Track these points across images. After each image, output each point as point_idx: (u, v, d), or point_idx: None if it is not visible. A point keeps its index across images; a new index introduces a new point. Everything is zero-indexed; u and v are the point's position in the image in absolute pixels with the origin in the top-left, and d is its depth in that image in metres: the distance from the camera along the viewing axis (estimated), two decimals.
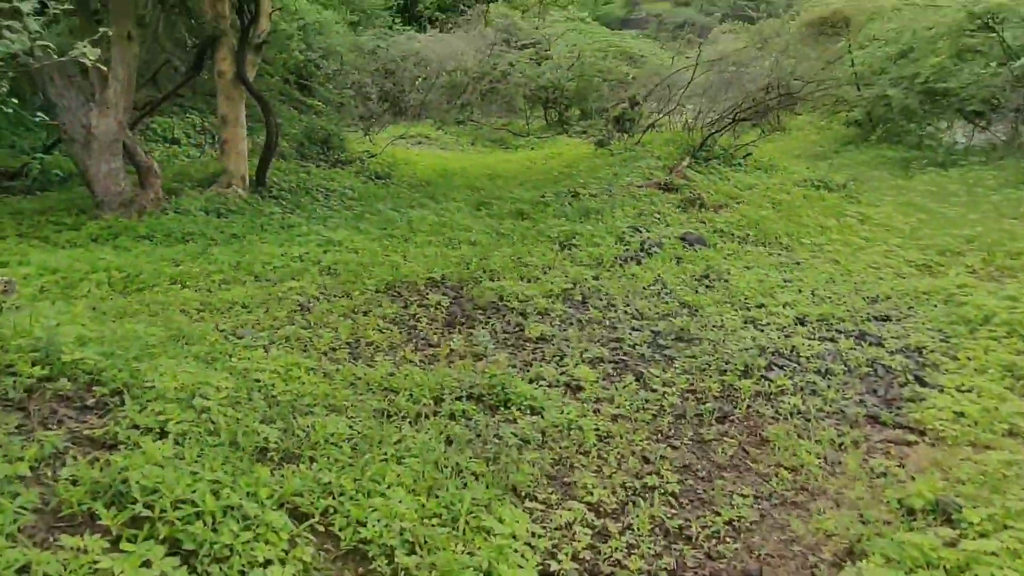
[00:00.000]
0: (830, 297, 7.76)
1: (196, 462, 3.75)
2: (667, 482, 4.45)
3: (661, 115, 19.46)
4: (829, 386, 5.74)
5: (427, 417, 4.87)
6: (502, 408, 5.11)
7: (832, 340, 6.70)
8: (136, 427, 4.01)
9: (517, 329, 6.63)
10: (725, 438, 5.02)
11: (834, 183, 12.60)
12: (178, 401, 4.28)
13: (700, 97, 20.43)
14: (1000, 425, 5.04)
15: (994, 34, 16.68)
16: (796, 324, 7.03)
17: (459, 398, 5.14)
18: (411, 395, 5.10)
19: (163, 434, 4.02)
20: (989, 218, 11.08)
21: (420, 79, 23.41)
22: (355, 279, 7.49)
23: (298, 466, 4.05)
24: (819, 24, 21.26)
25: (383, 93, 22.19)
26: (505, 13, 28.32)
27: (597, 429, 4.92)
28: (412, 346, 6.13)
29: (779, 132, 25.68)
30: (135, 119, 11.39)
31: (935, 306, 7.56)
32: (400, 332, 6.39)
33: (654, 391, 5.54)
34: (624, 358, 6.12)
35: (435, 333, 6.46)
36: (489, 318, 6.85)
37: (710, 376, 5.80)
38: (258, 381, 4.90)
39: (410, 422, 4.80)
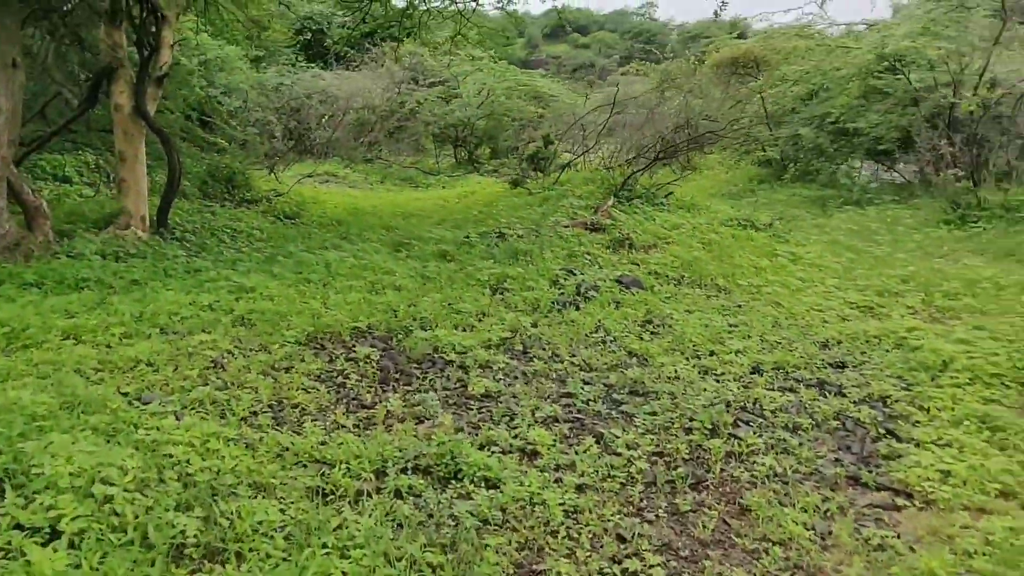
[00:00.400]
0: (780, 343, 7.41)
1: (97, 570, 3.05)
2: (649, 565, 3.90)
3: (578, 155, 19.23)
4: (801, 443, 5.31)
5: (369, 495, 4.23)
6: (453, 481, 4.48)
7: (792, 391, 6.31)
8: (19, 527, 3.29)
9: (459, 385, 6.02)
10: (703, 508, 4.50)
11: (760, 222, 12.44)
12: (74, 490, 3.57)
13: (614, 137, 20.36)
14: (991, 485, 4.67)
15: (900, 76, 17.00)
16: (752, 373, 6.62)
17: (404, 470, 4.51)
18: (348, 468, 4.45)
19: (55, 534, 3.30)
20: (917, 257, 11.04)
21: (326, 117, 22.74)
22: (273, 330, 6.77)
23: (223, 566, 3.38)
24: (730, 64, 21.47)
25: (288, 131, 21.42)
26: (413, 51, 27.86)
27: (563, 503, 4.33)
28: (343, 408, 5.45)
29: (690, 172, 25.86)
30: (21, 155, 10.41)
31: (888, 351, 7.27)
32: (328, 391, 5.71)
33: (618, 455, 4.99)
34: (579, 416, 5.57)
35: (368, 391, 5.80)
36: (426, 373, 6.23)
37: (676, 436, 5.30)
38: (170, 457, 4.19)
39: (350, 502, 4.15)
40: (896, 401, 6.08)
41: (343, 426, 5.11)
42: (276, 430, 4.91)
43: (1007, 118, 14.12)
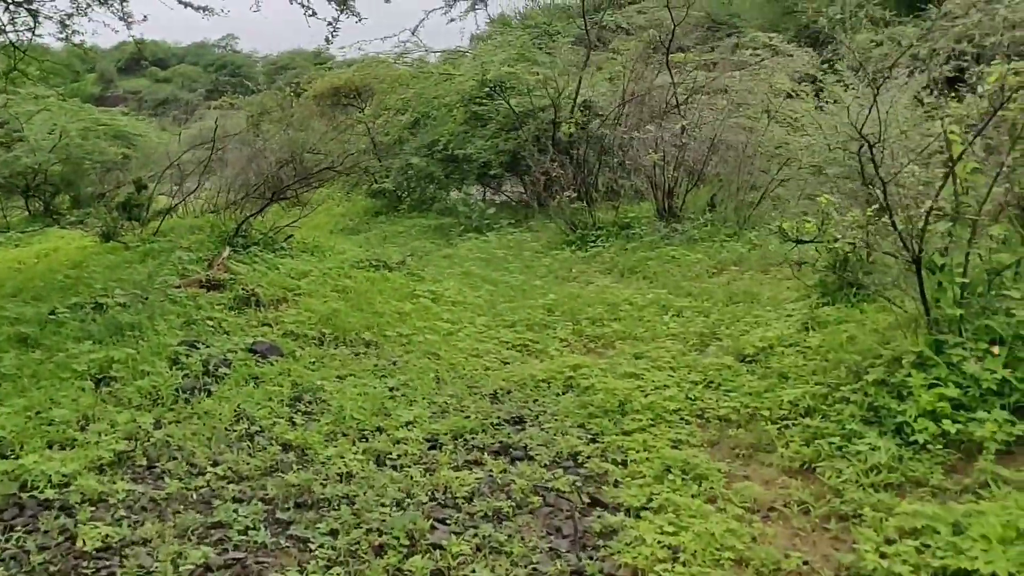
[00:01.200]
0: (450, 404, 6.63)
1: None
2: None
3: (178, 200, 17.30)
4: (509, 536, 4.52)
5: None
6: None
7: (479, 463, 5.53)
8: None
9: (63, 539, 4.43)
10: None
11: (392, 261, 11.72)
12: None
13: (217, 176, 18.69)
14: (724, 554, 4.21)
15: (501, 101, 17.35)
16: (431, 449, 5.75)
17: None
18: None
19: None
20: (552, 283, 10.99)
21: None
22: None
23: None
24: (331, 95, 20.73)
25: None
26: None
27: None
28: None
29: (300, 208, 24.73)
30: None
31: (559, 394, 6.82)
32: None
33: None
34: (239, 556, 4.29)
35: None
36: (10, 527, 4.55)
37: (367, 562, 4.24)
38: None
39: None
40: (588, 458, 5.54)
41: None
42: None
43: (603, 138, 14.81)
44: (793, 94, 14.30)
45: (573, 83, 16.46)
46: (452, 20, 17.24)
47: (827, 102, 10.12)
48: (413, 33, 17.31)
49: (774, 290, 9.21)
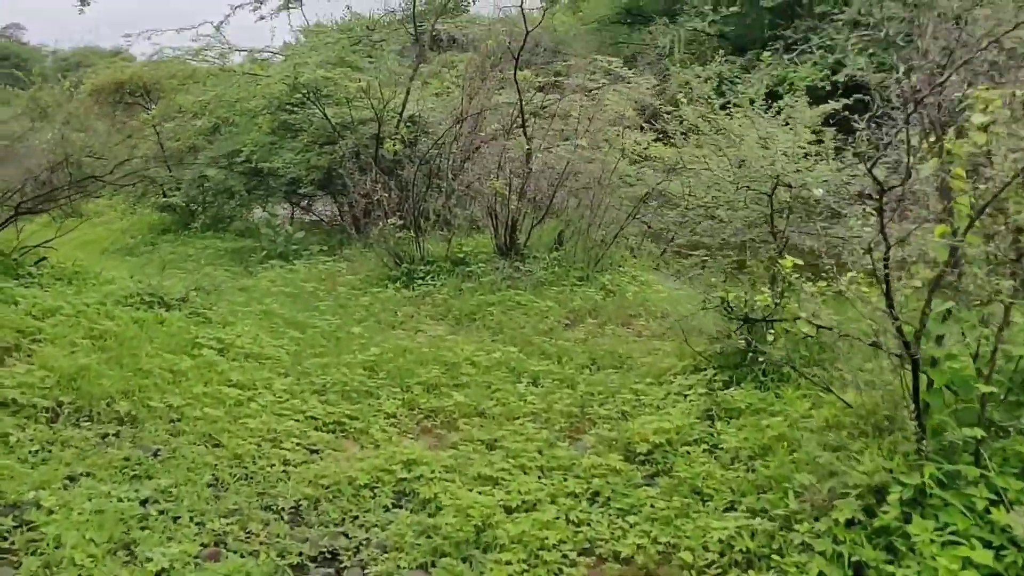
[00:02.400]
0: (230, 531, 4.54)
1: None
2: None
3: None
4: None
5: None
6: None
7: None
8: None
9: None
10: None
11: (173, 297, 9.34)
12: None
13: None
14: None
15: (314, 110, 15.21)
16: None
17: None
18: None
19: None
20: (374, 330, 9.03)
21: None
22: None
23: None
24: (114, 91, 17.82)
25: None
26: None
27: None
28: None
29: (75, 219, 21.44)
30: None
31: (388, 508, 4.89)
32: None
33: None
34: None
35: None
36: None
37: None
38: None
39: None
40: None
41: None
42: None
43: (433, 159, 12.98)
44: (639, 126, 13.06)
45: (400, 95, 14.56)
46: (262, 18, 14.93)
47: (704, 133, 8.74)
48: (217, 28, 14.69)
49: (647, 354, 7.63)
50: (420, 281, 10.86)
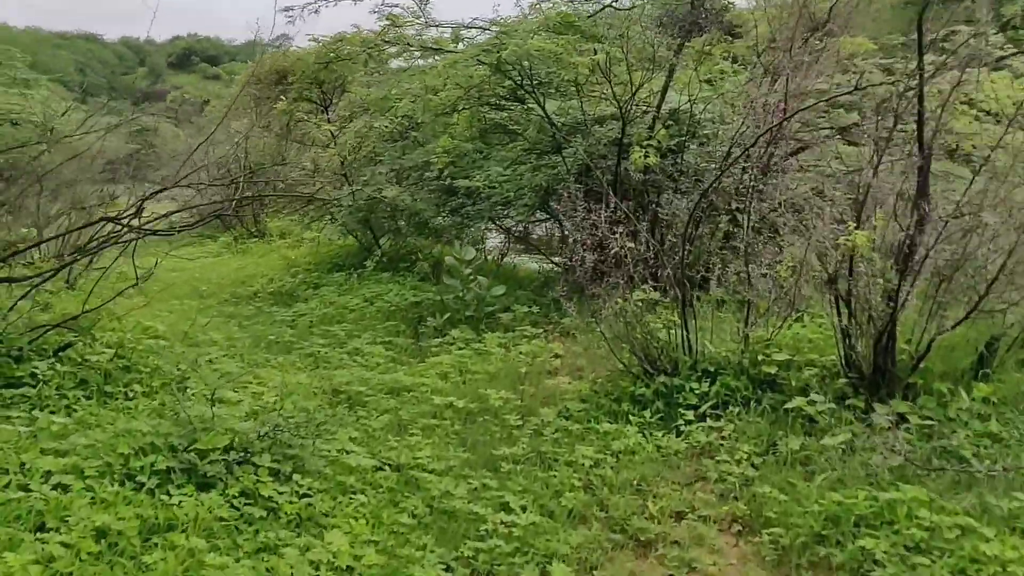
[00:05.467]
0: None
1: None
2: None
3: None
4: None
5: None
6: None
7: None
8: None
9: None
10: None
11: (242, 444, 4.85)
12: None
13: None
14: None
15: (532, 105, 10.47)
16: None
17: None
18: None
19: None
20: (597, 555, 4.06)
21: None
22: None
23: None
24: (275, 84, 14.04)
25: None
26: None
27: None
28: None
29: (256, 240, 18.20)
30: None
31: None
32: None
33: None
34: None
35: None
36: None
37: None
38: None
39: None
40: None
41: None
42: None
43: (713, 184, 7.76)
44: None
45: (656, 80, 9.56)
46: None
47: None
48: None
49: None
50: (691, 412, 5.81)
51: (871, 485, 4.43)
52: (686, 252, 6.63)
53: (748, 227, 6.58)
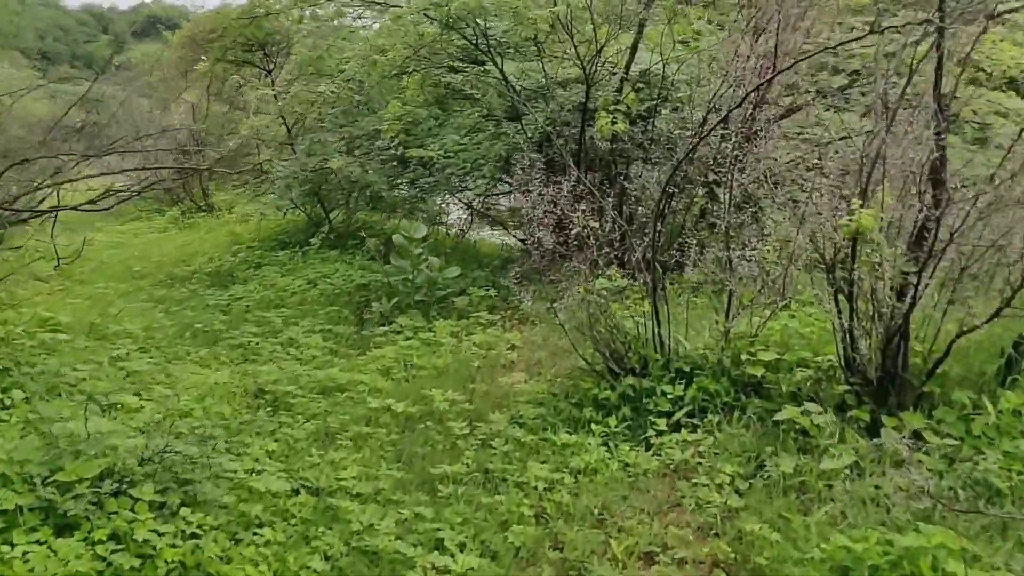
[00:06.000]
0: None
1: None
2: None
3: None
4: None
5: None
6: None
7: None
8: None
9: None
10: None
11: (125, 471, 3.95)
12: None
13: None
14: None
15: (490, 67, 9.51)
16: None
17: None
18: None
19: None
20: None
21: None
22: None
23: None
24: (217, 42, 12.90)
25: None
26: None
27: None
28: None
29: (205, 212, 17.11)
30: None
31: None
32: None
33: None
34: None
35: None
36: None
37: None
38: None
39: None
40: None
41: None
42: None
43: (688, 155, 6.84)
44: None
45: (624, 37, 8.65)
46: None
47: None
48: None
49: None
50: (662, 420, 4.97)
51: (883, 525, 3.60)
52: (658, 232, 5.74)
53: (729, 203, 5.69)
